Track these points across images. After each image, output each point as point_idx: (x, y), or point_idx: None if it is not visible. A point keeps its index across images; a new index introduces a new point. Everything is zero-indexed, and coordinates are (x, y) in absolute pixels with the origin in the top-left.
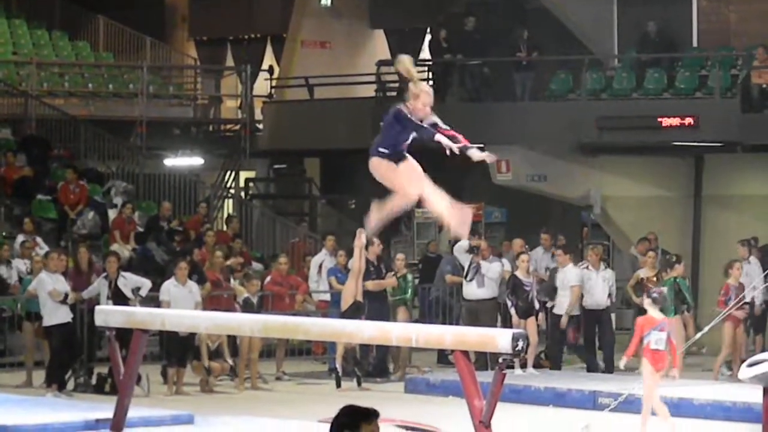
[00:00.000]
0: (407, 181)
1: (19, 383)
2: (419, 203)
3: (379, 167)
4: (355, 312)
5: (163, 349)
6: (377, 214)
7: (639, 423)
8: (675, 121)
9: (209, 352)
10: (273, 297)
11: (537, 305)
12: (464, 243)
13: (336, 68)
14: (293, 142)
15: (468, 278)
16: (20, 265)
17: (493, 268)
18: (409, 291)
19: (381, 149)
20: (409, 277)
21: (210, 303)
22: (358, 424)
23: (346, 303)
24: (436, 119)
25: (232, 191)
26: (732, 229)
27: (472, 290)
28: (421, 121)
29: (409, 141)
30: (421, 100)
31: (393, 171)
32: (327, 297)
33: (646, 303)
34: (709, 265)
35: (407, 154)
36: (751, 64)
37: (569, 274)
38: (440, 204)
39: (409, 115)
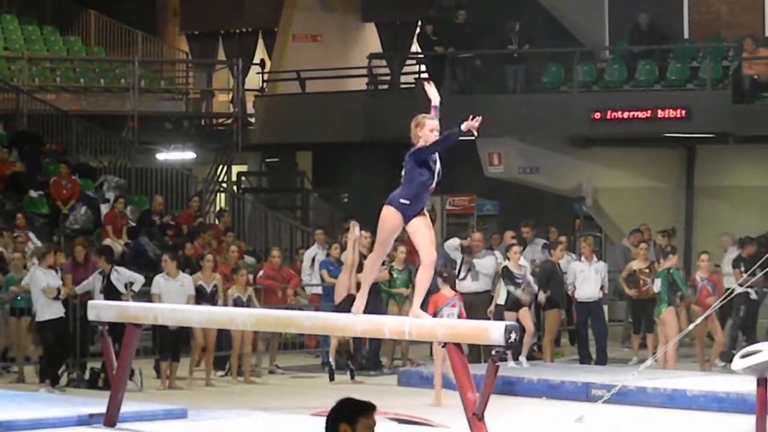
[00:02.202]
0: (383, 246)
1: (11, 379)
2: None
3: (387, 218)
4: (348, 305)
5: (156, 344)
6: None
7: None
8: (667, 113)
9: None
10: (265, 291)
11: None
12: (454, 242)
13: (327, 62)
14: (285, 136)
15: (461, 277)
16: None
17: (487, 264)
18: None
19: (402, 200)
20: (412, 269)
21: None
22: (355, 418)
23: (339, 296)
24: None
25: (224, 185)
26: (724, 219)
27: (466, 284)
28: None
29: (434, 186)
30: (427, 127)
31: (395, 229)
32: (320, 290)
33: (439, 281)
34: None
35: (425, 211)
36: (742, 56)
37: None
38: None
39: (426, 149)
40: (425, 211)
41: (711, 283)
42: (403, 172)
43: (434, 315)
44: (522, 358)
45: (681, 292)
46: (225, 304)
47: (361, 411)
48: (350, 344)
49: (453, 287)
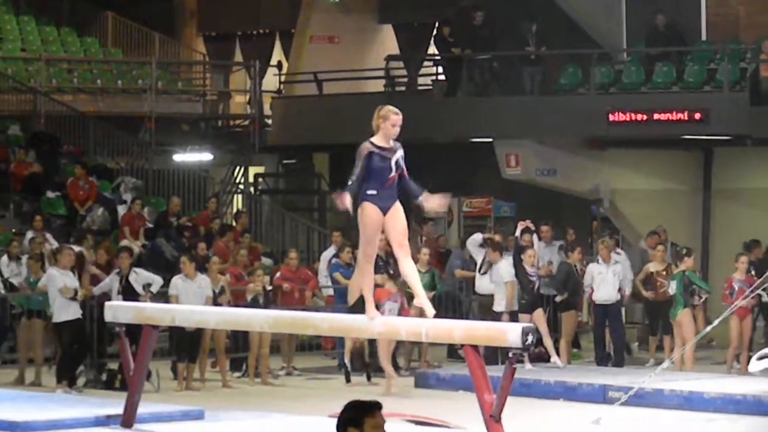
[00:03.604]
0: (370, 245)
1: (31, 379)
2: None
3: (368, 214)
4: (362, 306)
5: (173, 345)
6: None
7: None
8: (684, 115)
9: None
10: (282, 292)
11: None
12: (477, 237)
13: (344, 63)
14: (302, 138)
15: (482, 272)
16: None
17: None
18: (438, 287)
19: (369, 192)
20: (435, 272)
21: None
22: (361, 419)
23: (353, 297)
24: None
25: (241, 187)
26: (741, 222)
27: (485, 284)
28: (396, 139)
29: (394, 173)
30: (390, 121)
31: (377, 224)
32: (331, 292)
33: (383, 278)
34: (718, 258)
35: (397, 199)
36: (760, 57)
37: (502, 270)
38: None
39: (378, 148)
40: (398, 205)
41: (748, 285)
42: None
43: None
44: (555, 358)
45: (705, 289)
46: (236, 304)
47: (366, 412)
48: (365, 347)
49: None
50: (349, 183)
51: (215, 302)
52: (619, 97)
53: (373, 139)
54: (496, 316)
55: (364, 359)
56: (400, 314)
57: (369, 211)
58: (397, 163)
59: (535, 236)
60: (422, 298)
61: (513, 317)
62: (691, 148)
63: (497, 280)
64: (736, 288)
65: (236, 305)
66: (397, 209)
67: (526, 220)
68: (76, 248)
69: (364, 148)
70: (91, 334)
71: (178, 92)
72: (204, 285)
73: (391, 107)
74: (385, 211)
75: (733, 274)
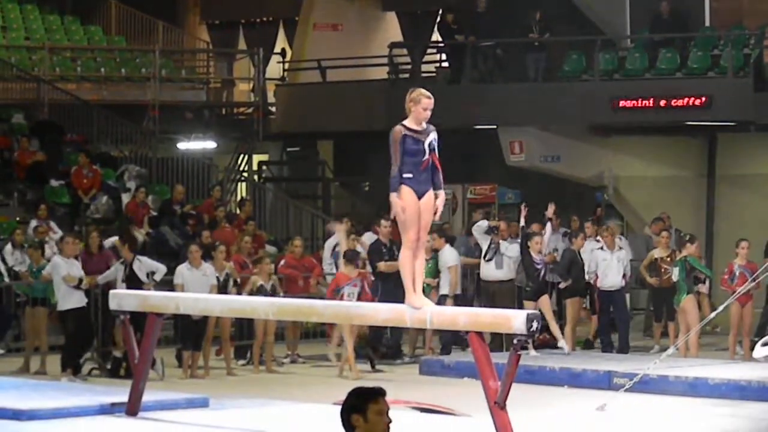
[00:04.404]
0: (408, 230)
1: (36, 368)
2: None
3: (405, 198)
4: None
5: (177, 333)
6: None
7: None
8: (688, 101)
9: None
10: (286, 280)
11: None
12: (483, 223)
13: (348, 51)
14: (306, 125)
15: (487, 258)
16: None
17: (512, 249)
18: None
19: (406, 175)
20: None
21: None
22: (365, 406)
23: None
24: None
25: (245, 174)
26: (745, 208)
27: (490, 271)
28: (426, 123)
29: (427, 155)
30: (421, 105)
31: (414, 208)
32: None
33: (342, 262)
34: (722, 244)
35: (430, 185)
36: (764, 43)
37: (446, 255)
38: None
39: (411, 131)
40: (432, 193)
41: (749, 271)
42: (392, 152)
43: (335, 293)
44: (561, 342)
45: (706, 275)
46: (240, 293)
47: (369, 398)
48: (367, 336)
49: (357, 267)
50: (392, 176)
51: (221, 290)
52: (622, 84)
53: (405, 122)
54: (441, 300)
55: (373, 347)
56: (360, 299)
57: (406, 195)
58: (430, 145)
59: (548, 224)
60: (418, 296)
61: (457, 301)
62: (695, 135)
63: (442, 265)
64: (737, 273)
65: (240, 293)
66: (429, 199)
67: (544, 207)
68: (113, 240)
69: (397, 131)
70: (96, 322)
71: (182, 80)
72: (209, 273)
73: (422, 90)
74: (420, 195)
75: (735, 259)
